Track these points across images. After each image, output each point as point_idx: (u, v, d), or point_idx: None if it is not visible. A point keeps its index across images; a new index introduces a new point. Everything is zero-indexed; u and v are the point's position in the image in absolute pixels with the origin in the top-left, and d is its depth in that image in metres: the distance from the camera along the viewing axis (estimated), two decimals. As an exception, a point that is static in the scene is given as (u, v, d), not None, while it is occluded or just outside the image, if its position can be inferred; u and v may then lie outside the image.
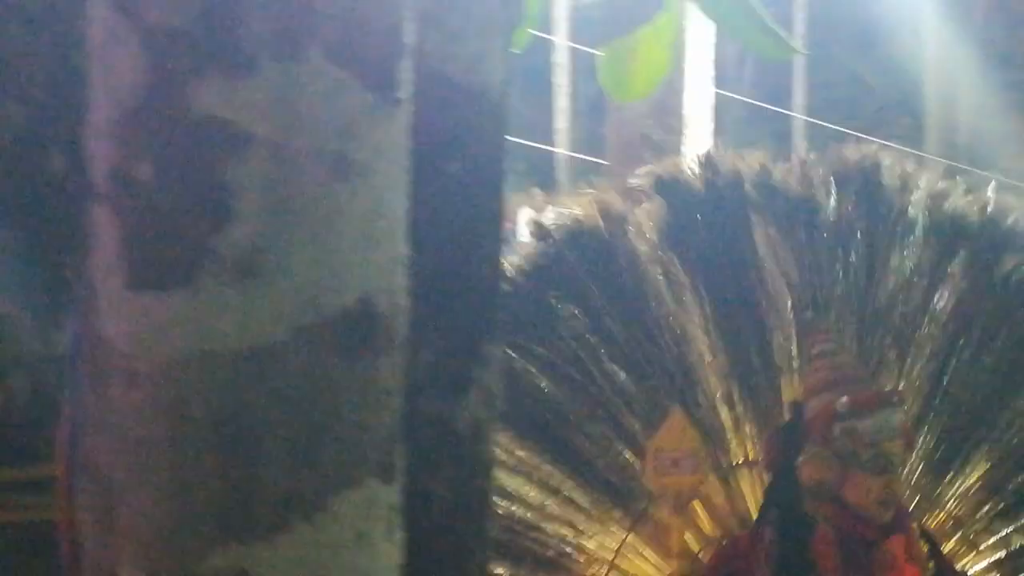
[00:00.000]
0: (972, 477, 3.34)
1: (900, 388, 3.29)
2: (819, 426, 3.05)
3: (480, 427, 1.18)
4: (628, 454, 3.29)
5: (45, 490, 1.25)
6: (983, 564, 3.31)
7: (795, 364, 3.32)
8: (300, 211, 0.93)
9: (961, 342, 3.40)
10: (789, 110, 16.68)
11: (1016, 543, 3.29)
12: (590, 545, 3.31)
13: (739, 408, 3.33)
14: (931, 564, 3.09)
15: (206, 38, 0.91)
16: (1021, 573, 3.33)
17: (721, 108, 8.97)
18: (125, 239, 0.93)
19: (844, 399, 3.02)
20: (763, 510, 3.12)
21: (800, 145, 16.41)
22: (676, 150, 5.85)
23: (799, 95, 16.87)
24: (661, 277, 3.41)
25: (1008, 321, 3.43)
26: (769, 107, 16.26)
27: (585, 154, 12.46)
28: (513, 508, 3.28)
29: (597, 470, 3.33)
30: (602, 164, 8.33)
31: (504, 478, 3.21)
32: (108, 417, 0.96)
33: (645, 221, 3.43)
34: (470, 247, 1.17)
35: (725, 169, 3.48)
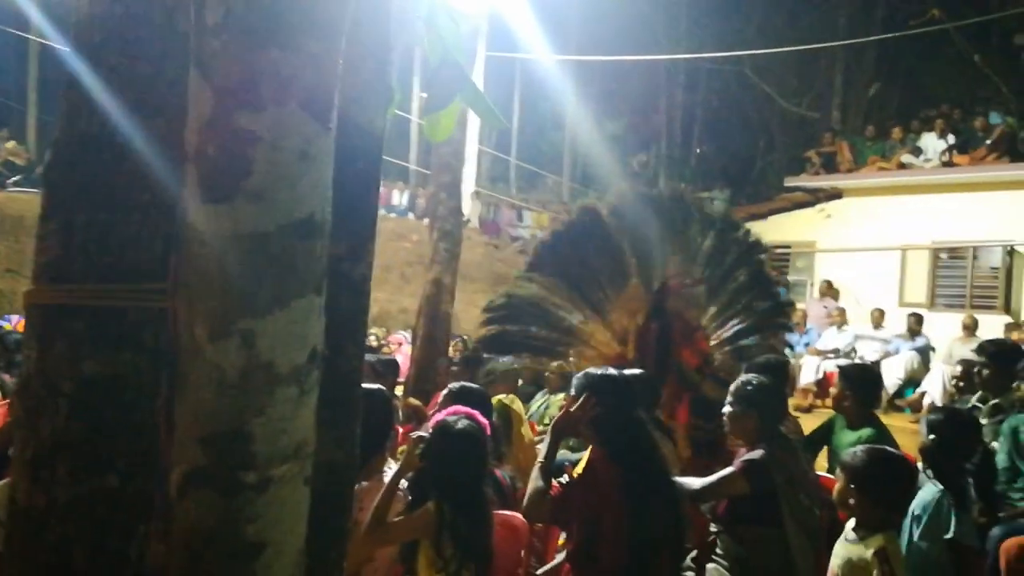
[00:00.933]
0: (713, 311, 4.70)
1: (701, 279, 4.68)
2: (675, 290, 4.57)
3: (365, 278, 1.26)
4: (604, 296, 4.68)
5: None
6: (716, 345, 4.65)
7: (666, 271, 4.68)
8: (289, 171, 0.98)
9: (713, 264, 4.73)
10: (509, 157, 18.43)
11: (734, 342, 4.76)
12: (585, 328, 4.68)
13: (644, 283, 4.67)
14: (705, 343, 4.57)
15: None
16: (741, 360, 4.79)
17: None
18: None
19: (688, 280, 4.61)
20: (649, 317, 4.53)
21: (512, 176, 19.23)
22: (461, 169, 6.84)
23: (513, 150, 19.24)
24: (619, 238, 4.76)
25: (726, 257, 4.75)
26: (501, 155, 17.74)
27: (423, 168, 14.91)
28: (559, 311, 4.66)
29: (594, 300, 4.69)
30: (427, 173, 9.27)
31: (555, 299, 4.67)
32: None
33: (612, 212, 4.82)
34: (361, 196, 1.27)
35: (628, 199, 4.96)
